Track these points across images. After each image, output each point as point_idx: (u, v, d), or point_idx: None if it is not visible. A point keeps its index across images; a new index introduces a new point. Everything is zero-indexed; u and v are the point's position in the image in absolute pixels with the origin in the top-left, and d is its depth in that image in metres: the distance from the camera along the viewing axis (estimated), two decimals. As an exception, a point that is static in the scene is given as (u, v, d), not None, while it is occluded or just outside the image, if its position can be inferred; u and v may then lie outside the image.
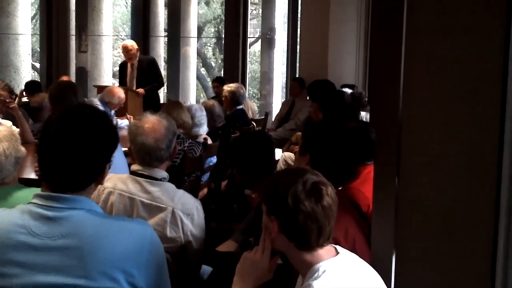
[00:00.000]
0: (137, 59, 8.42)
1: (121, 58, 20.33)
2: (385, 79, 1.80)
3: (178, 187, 2.98)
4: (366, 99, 7.00)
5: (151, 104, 7.44)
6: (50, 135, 1.81)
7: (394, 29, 1.47)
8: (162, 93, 11.43)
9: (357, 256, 1.98)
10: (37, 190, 2.55)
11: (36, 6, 17.55)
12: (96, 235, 1.78)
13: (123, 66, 8.64)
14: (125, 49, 8.44)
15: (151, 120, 2.87)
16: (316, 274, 1.82)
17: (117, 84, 9.81)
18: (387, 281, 1.82)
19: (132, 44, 8.53)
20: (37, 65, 16.80)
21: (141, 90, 8.09)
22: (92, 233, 1.78)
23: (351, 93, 6.86)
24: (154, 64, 8.69)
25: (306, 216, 1.83)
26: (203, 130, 5.12)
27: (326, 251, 1.89)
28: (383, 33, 1.70)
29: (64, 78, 8.85)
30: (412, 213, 1.16)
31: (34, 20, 17.60)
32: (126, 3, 20.84)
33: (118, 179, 2.83)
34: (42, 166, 1.84)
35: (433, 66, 1.20)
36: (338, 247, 1.95)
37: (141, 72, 8.35)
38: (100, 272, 1.76)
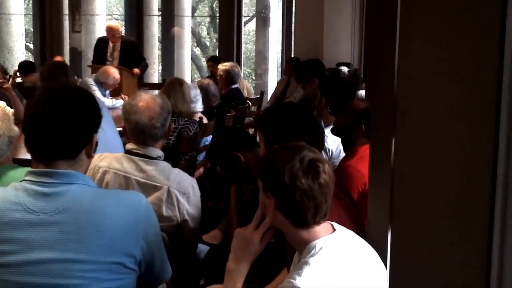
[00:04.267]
0: (120, 40, 8.41)
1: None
2: (380, 56, 1.79)
3: (174, 166, 2.97)
4: (362, 76, 6.99)
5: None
6: (32, 107, 1.83)
7: (390, 3, 1.45)
8: (157, 72, 11.38)
9: (354, 233, 1.98)
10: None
11: (29, -14, 17.39)
12: (92, 208, 1.78)
13: (102, 43, 8.58)
14: (111, 30, 8.41)
15: (145, 99, 2.85)
16: (312, 251, 1.82)
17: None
18: (382, 256, 1.82)
19: (118, 25, 8.61)
20: (31, 45, 16.69)
21: (136, 70, 8.07)
22: (89, 207, 1.78)
23: (348, 70, 6.84)
24: (137, 46, 8.80)
25: (303, 193, 1.82)
26: (199, 107, 5.10)
27: (322, 228, 1.89)
28: (378, 9, 1.68)
29: (58, 58, 8.80)
30: (407, 189, 1.15)
31: (27, 0, 17.43)
32: (120, -18, 20.68)
33: (113, 158, 2.82)
34: (29, 141, 1.84)
35: (429, 39, 1.18)
36: (335, 224, 1.95)
37: (124, 53, 8.33)
38: (98, 245, 1.76)
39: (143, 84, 8.12)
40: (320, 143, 2.54)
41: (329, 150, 3.80)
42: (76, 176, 1.83)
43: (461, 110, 1.14)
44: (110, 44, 8.42)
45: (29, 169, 1.85)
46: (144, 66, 8.46)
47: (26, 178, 1.83)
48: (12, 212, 1.75)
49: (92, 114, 1.89)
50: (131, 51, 8.39)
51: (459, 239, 1.12)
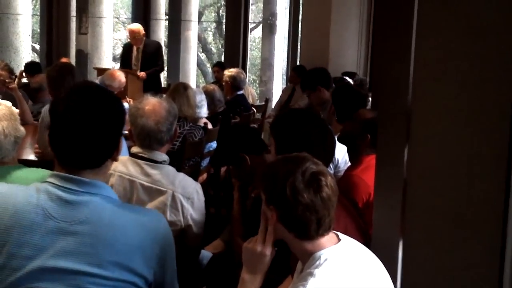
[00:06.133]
0: (143, 43, 8.38)
1: (120, 41, 20.25)
2: (391, 66, 1.78)
3: (178, 171, 2.96)
4: (368, 86, 6.98)
5: (152, 87, 7.41)
6: (61, 114, 1.78)
7: (403, 13, 1.44)
8: (162, 77, 11.38)
9: (359, 243, 1.97)
10: (37, 170, 2.54)
11: (37, -13, 17.44)
12: (112, 224, 1.76)
13: (128, 48, 8.57)
14: (132, 33, 8.39)
15: (151, 102, 2.84)
16: (317, 262, 1.81)
17: (117, 66, 9.77)
18: (390, 265, 1.80)
19: (139, 28, 8.48)
20: (37, 46, 16.73)
21: (142, 74, 8.07)
22: (108, 222, 1.75)
23: (354, 80, 6.83)
24: (159, 49, 8.67)
25: (305, 207, 1.81)
26: (203, 112, 5.09)
27: (327, 239, 1.87)
28: (389, 19, 1.67)
29: (64, 60, 8.81)
30: (420, 201, 1.14)
31: (34, 1, 17.48)
32: (127, -14, 20.72)
33: (118, 161, 2.80)
34: (55, 146, 1.80)
35: (444, 52, 1.17)
36: (340, 234, 1.93)
37: (146, 56, 8.31)
38: (112, 262, 1.74)
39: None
40: (330, 152, 2.53)
41: (335, 158, 3.79)
42: (100, 187, 1.80)
43: (476, 121, 1.13)
44: (134, 48, 8.41)
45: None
46: (155, 69, 8.39)
47: (50, 180, 1.79)
48: (32, 215, 1.72)
49: (119, 118, 1.86)
50: (153, 53, 8.37)
51: (472, 250, 1.11)
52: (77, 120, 1.75)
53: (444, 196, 1.15)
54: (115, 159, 1.89)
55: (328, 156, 2.57)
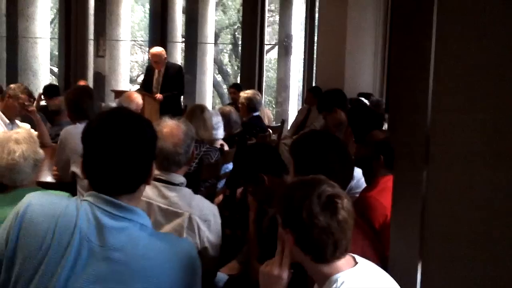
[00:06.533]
0: (165, 66, 8.45)
1: (137, 63, 20.45)
2: (409, 85, 1.78)
3: (195, 193, 2.97)
4: (384, 107, 6.97)
5: (171, 110, 7.45)
6: (95, 141, 1.80)
7: (421, 33, 1.44)
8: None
9: (376, 266, 1.96)
10: (55, 193, 2.56)
11: (55, 10, 17.69)
12: (145, 255, 1.75)
13: (150, 71, 8.64)
14: (154, 56, 8.45)
15: (169, 125, 2.87)
16: (334, 285, 1.80)
17: (134, 88, 9.86)
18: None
19: (161, 51, 8.54)
20: (55, 69, 16.93)
21: (159, 96, 8.12)
22: (142, 253, 1.75)
23: (369, 101, 6.83)
24: (180, 72, 8.71)
25: (321, 230, 1.80)
26: (220, 134, 5.10)
27: (344, 261, 1.87)
28: (407, 38, 1.67)
29: (81, 82, 8.90)
30: (439, 223, 1.13)
31: (52, 24, 17.72)
32: (144, 9, 20.96)
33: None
34: (90, 172, 1.82)
35: (464, 71, 1.17)
36: (356, 256, 1.92)
37: (167, 79, 8.37)
38: None
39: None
40: (348, 175, 2.54)
41: (349, 180, 3.79)
42: (138, 214, 1.81)
43: (497, 143, 1.13)
44: (156, 71, 8.47)
45: (93, 192, 1.80)
46: (174, 93, 8.40)
47: (90, 199, 1.79)
48: (70, 236, 1.71)
49: (152, 142, 1.87)
50: (174, 77, 8.42)
51: (492, 275, 1.10)
52: (112, 147, 1.77)
53: (464, 219, 1.14)
54: (148, 183, 1.89)
55: (346, 178, 2.57)
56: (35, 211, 1.75)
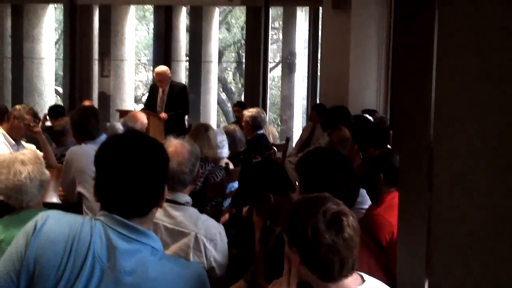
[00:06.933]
0: (169, 85, 8.47)
1: (142, 83, 20.53)
2: (412, 101, 1.79)
3: (200, 212, 2.96)
4: (388, 124, 6.97)
5: (176, 129, 7.46)
6: (107, 164, 1.81)
7: (423, 48, 1.45)
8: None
9: (384, 284, 1.95)
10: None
11: (60, 31, 17.81)
12: (156, 279, 1.75)
13: (154, 89, 8.66)
14: (158, 75, 8.46)
15: (174, 144, 2.88)
16: (342, 304, 1.79)
17: (139, 108, 9.89)
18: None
19: (165, 70, 8.56)
20: (60, 89, 17.02)
21: (163, 115, 8.13)
22: (153, 277, 1.75)
23: (374, 118, 6.83)
24: (185, 91, 8.72)
25: (327, 248, 1.80)
26: (225, 152, 5.11)
27: (351, 280, 1.86)
28: (410, 54, 1.69)
29: (87, 102, 8.94)
30: (446, 242, 1.13)
31: (57, 45, 17.84)
32: (148, 28, 21.08)
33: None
34: (102, 195, 1.83)
35: (466, 86, 1.18)
36: (364, 274, 1.92)
37: (171, 97, 8.39)
38: None
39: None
40: (354, 193, 2.54)
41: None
42: (150, 237, 1.81)
43: (503, 160, 1.13)
44: (160, 89, 8.50)
45: (106, 212, 1.80)
46: (179, 112, 8.40)
47: (103, 220, 1.79)
48: (85, 257, 1.72)
49: (164, 165, 1.89)
50: (178, 95, 8.42)
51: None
52: (124, 170, 1.78)
53: (471, 235, 1.14)
54: (160, 206, 1.90)
55: (352, 195, 2.58)
56: (52, 230, 1.75)
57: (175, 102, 8.33)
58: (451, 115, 1.25)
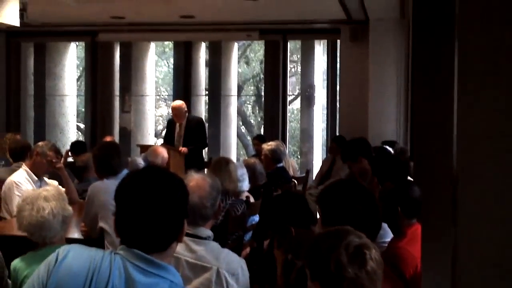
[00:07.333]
0: (186, 119, 8.54)
1: (162, 117, 20.68)
2: (434, 132, 1.78)
3: (222, 246, 2.96)
4: (409, 155, 6.93)
5: (194, 162, 7.50)
6: (127, 200, 1.83)
7: (443, 77, 1.45)
8: (203, 150, 11.55)
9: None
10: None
11: (81, 68, 18.09)
12: None
13: (171, 124, 8.74)
14: (175, 110, 8.53)
15: (195, 178, 2.90)
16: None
17: (159, 142, 9.97)
18: None
19: (181, 104, 8.62)
20: (82, 125, 17.20)
21: (184, 149, 8.17)
22: None
23: (394, 149, 6.80)
24: (202, 124, 8.79)
25: (350, 282, 1.78)
26: (245, 186, 5.11)
27: (375, 313, 1.84)
28: (430, 84, 1.69)
29: (108, 138, 9.03)
30: (471, 275, 1.12)
31: (79, 82, 18.11)
32: (168, 63, 21.33)
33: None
34: (122, 230, 1.84)
35: (489, 114, 1.17)
36: (388, 308, 1.89)
37: (189, 131, 8.44)
38: None
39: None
40: (376, 225, 2.52)
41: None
42: (169, 271, 1.82)
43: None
44: (177, 124, 8.57)
45: (125, 246, 1.82)
46: (198, 146, 8.45)
47: (123, 253, 1.80)
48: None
49: (184, 200, 1.90)
50: (195, 129, 8.48)
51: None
52: (143, 205, 1.80)
53: (496, 270, 1.13)
54: (180, 241, 1.91)
55: (374, 228, 2.56)
56: (73, 263, 1.77)
57: (192, 136, 8.38)
58: (474, 144, 1.24)
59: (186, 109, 8.61)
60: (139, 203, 1.80)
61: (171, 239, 1.86)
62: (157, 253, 1.81)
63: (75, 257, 1.78)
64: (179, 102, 8.74)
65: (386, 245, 3.37)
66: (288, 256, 3.00)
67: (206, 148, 9.91)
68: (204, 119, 11.33)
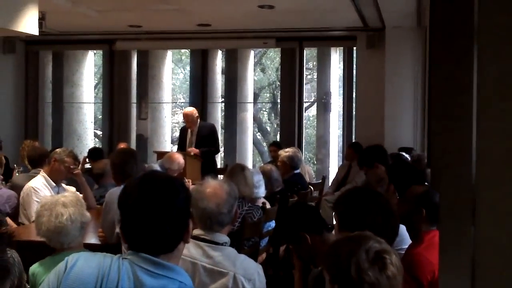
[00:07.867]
0: (197, 125, 8.58)
1: (178, 124, 20.76)
2: (451, 138, 1.77)
3: (238, 252, 2.97)
4: (426, 161, 6.89)
5: (207, 169, 7.54)
6: (131, 206, 1.85)
7: (461, 83, 1.45)
8: (219, 157, 11.58)
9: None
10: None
11: (99, 76, 18.22)
12: None
13: (183, 131, 8.81)
14: (186, 116, 8.61)
15: (212, 185, 2.91)
16: None
17: (175, 149, 10.02)
18: None
19: (192, 111, 8.69)
20: (99, 132, 17.32)
21: (196, 150, 8.20)
22: None
23: (410, 156, 6.77)
24: (213, 131, 8.84)
25: (370, 286, 1.78)
26: (262, 192, 5.12)
27: (393, 318, 1.83)
28: (447, 90, 1.68)
29: (122, 145, 9.07)
30: (490, 279, 1.12)
31: (96, 89, 18.25)
32: (184, 71, 21.43)
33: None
34: (128, 235, 1.86)
35: (509, 119, 1.17)
36: (406, 314, 1.89)
37: (200, 138, 8.49)
38: None
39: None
40: (393, 232, 2.52)
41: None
42: (178, 272, 1.84)
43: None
44: (189, 131, 8.62)
45: (133, 251, 1.84)
46: (211, 150, 8.50)
47: (131, 258, 1.83)
48: None
49: (187, 201, 1.92)
50: (207, 136, 8.54)
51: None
52: (145, 209, 1.82)
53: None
54: (187, 242, 1.93)
55: (391, 234, 2.56)
56: (82, 270, 1.79)
57: (204, 142, 8.43)
58: (493, 150, 1.24)
59: (197, 115, 8.66)
60: (142, 208, 1.83)
61: (177, 240, 1.88)
62: (165, 255, 1.84)
63: (84, 264, 1.80)
64: (190, 109, 8.80)
65: (403, 252, 3.35)
66: (305, 263, 3.02)
67: (222, 155, 9.93)
68: (220, 126, 11.37)
